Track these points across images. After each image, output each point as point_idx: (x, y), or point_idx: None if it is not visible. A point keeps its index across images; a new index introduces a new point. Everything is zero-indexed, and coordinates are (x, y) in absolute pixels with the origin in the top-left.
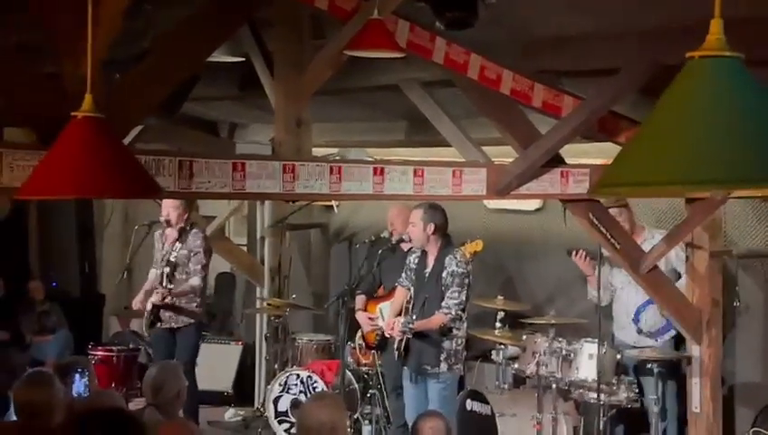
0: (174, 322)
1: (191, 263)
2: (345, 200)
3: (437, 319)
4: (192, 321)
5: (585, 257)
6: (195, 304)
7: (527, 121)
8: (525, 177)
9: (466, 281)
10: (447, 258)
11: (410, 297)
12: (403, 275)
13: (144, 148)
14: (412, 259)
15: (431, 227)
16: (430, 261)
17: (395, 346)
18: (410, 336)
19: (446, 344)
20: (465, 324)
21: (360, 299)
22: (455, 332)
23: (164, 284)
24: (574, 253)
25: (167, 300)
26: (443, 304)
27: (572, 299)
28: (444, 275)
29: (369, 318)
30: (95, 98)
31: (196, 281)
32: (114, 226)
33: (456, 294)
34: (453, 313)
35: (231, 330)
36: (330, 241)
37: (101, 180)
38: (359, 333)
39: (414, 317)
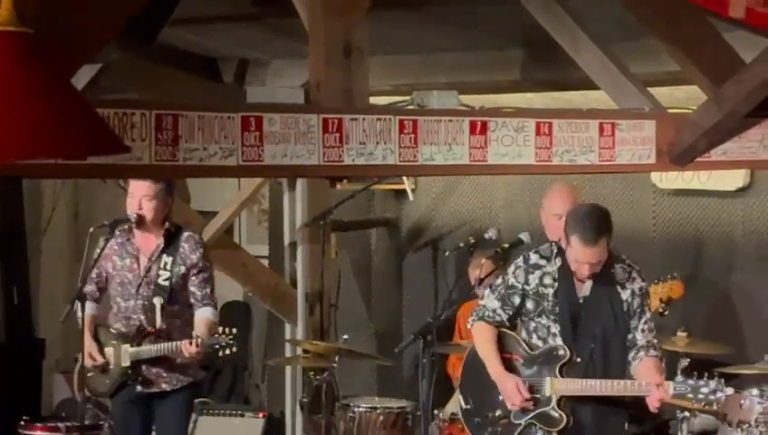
0: (165, 382)
1: (194, 285)
2: (426, 176)
3: (656, 367)
4: (189, 380)
5: None
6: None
7: (722, 43)
8: (720, 134)
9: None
10: (620, 268)
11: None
12: (491, 304)
13: (102, 98)
14: (533, 279)
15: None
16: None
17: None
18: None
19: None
20: None
21: None
22: None
23: (157, 323)
24: None
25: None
26: (641, 341)
27: None
28: (626, 297)
29: None
30: (21, 4)
31: (209, 313)
32: (58, 228)
33: (653, 324)
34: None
35: (246, 393)
36: (402, 247)
37: (31, 133)
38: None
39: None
